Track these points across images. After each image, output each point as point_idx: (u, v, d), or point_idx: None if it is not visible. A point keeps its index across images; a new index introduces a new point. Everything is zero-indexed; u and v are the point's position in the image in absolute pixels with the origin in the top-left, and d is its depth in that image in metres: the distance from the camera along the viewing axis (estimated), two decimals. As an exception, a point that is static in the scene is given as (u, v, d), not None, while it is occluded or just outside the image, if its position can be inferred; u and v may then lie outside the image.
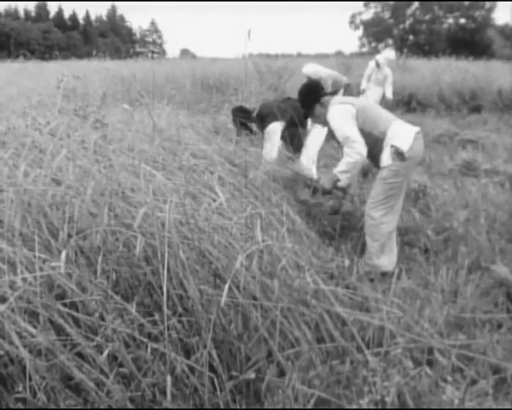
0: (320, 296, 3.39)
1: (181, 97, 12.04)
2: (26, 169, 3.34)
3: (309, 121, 6.49)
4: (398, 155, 4.59)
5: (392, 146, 4.61)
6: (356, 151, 4.66)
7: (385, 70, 12.97)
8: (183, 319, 3.02)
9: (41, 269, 2.88)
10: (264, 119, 6.32)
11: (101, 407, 2.70)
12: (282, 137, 6.37)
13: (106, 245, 3.14)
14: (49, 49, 45.38)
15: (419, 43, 71.96)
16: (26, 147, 3.61)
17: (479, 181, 7.70)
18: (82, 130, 4.22)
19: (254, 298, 3.13)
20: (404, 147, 4.60)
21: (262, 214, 3.62)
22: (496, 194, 6.87)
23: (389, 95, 13.03)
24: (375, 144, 4.76)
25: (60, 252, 3.03)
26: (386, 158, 4.67)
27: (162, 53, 77.95)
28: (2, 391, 2.70)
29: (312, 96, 5.19)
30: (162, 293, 3.00)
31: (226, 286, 2.79)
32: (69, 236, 3.11)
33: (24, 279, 2.78)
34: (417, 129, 4.82)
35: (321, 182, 4.97)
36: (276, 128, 6.21)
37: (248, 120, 6.49)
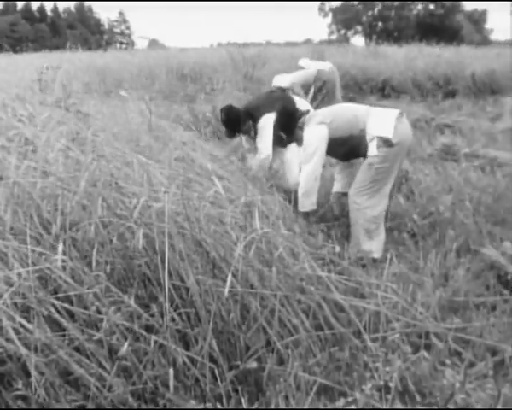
0: (316, 283, 3.37)
1: (157, 87, 11.95)
2: (16, 162, 3.27)
3: None
4: (385, 142, 4.58)
5: (377, 137, 4.61)
6: (309, 169, 4.92)
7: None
8: (183, 310, 2.98)
9: (34, 263, 2.83)
10: (253, 113, 6.12)
11: (102, 401, 2.67)
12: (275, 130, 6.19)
13: (99, 237, 3.09)
14: (17, 42, 44.84)
15: (388, 30, 72.23)
16: (15, 139, 3.54)
17: (459, 165, 7.74)
18: (68, 121, 4.15)
19: (252, 287, 3.11)
20: (389, 134, 4.59)
21: (259, 202, 3.60)
22: (477, 178, 6.90)
23: None
24: (360, 141, 4.80)
25: (52, 245, 2.98)
26: (372, 149, 4.67)
27: (131, 44, 77.41)
28: (1, 389, 2.64)
29: (290, 121, 5.38)
30: (160, 285, 2.97)
31: (229, 277, 2.77)
32: (62, 228, 3.05)
33: (18, 274, 2.72)
34: (397, 111, 4.81)
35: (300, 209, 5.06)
36: (267, 120, 6.00)
37: (239, 121, 6.19)
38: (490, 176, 7.05)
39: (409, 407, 2.86)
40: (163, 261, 2.91)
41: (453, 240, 4.83)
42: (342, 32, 79.88)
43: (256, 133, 6.08)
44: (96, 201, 3.11)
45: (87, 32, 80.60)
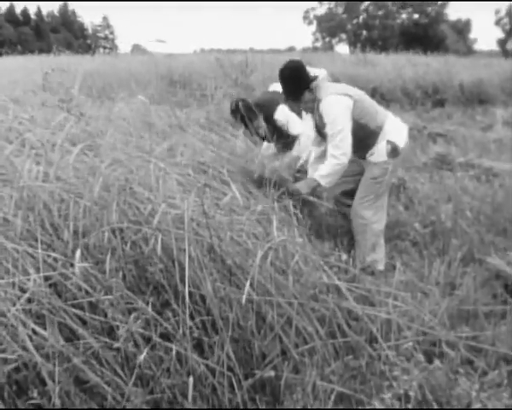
0: (329, 291, 3.36)
1: (148, 92, 11.89)
2: (28, 166, 3.22)
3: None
4: (393, 151, 4.55)
5: (388, 142, 4.56)
6: (342, 152, 4.47)
7: None
8: (199, 318, 2.95)
9: (50, 269, 2.79)
10: (265, 105, 6.03)
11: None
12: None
13: (113, 243, 3.05)
14: (0, 45, 44.55)
15: (372, 39, 72.46)
16: (28, 143, 3.49)
17: (454, 174, 7.76)
18: (76, 124, 4.11)
19: (268, 295, 3.08)
20: (401, 143, 4.58)
21: (276, 209, 3.58)
22: (474, 187, 6.92)
23: None
24: (367, 137, 4.63)
25: (65, 252, 2.95)
26: (380, 153, 4.60)
27: (115, 48, 77.19)
28: (15, 397, 2.59)
29: (300, 82, 4.70)
30: (175, 292, 2.94)
31: (247, 285, 2.74)
32: (75, 234, 3.01)
33: (30, 280, 2.68)
34: (407, 126, 4.80)
35: (297, 186, 4.70)
36: (285, 109, 5.96)
37: (251, 114, 6.03)
38: (486, 186, 7.06)
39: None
40: (180, 268, 2.88)
41: (457, 249, 4.83)
42: (327, 39, 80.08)
43: (272, 124, 6.01)
44: (111, 206, 3.07)
45: (71, 36, 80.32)
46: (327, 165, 4.56)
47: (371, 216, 4.72)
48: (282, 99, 5.75)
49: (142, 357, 2.64)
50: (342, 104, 4.52)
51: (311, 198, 4.71)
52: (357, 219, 4.76)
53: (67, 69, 12.40)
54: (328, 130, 4.57)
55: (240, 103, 6.04)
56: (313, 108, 4.77)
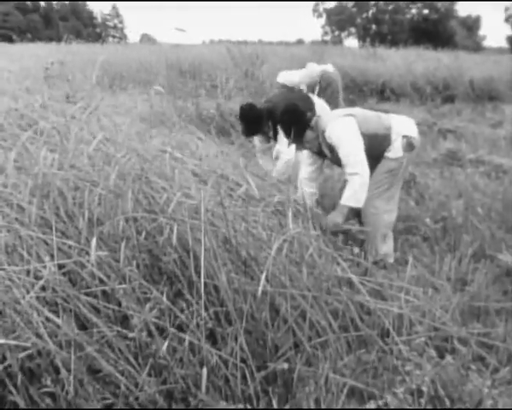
0: (342, 284, 3.35)
1: (158, 82, 11.88)
2: (44, 154, 3.22)
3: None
4: (409, 145, 4.55)
5: (404, 137, 4.55)
6: (359, 168, 4.43)
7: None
8: (213, 309, 2.95)
9: (66, 256, 2.79)
10: (275, 113, 5.77)
11: (132, 400, 2.63)
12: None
13: (127, 232, 3.05)
14: (10, 32, 44.51)
15: (382, 33, 72.19)
16: (45, 131, 3.48)
17: (464, 171, 7.74)
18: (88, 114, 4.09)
19: (282, 287, 3.08)
20: (415, 135, 4.58)
21: (290, 200, 3.57)
22: (485, 184, 6.90)
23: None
24: (381, 143, 4.63)
25: (79, 240, 2.94)
26: (397, 149, 4.58)
27: (124, 38, 77.07)
28: (28, 385, 2.59)
29: (300, 125, 4.74)
30: (189, 282, 2.94)
31: (262, 277, 2.74)
32: (90, 222, 3.01)
33: (46, 267, 2.68)
34: (413, 120, 4.82)
35: (331, 219, 4.54)
36: None
37: (260, 120, 5.92)
38: (497, 182, 7.05)
39: None
40: (195, 259, 2.88)
41: (468, 245, 4.81)
42: (336, 33, 79.87)
43: (276, 134, 5.94)
44: (126, 195, 3.06)
45: (80, 25, 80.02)
46: (349, 185, 4.51)
47: (383, 206, 4.69)
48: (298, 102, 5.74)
49: (164, 348, 2.64)
50: (346, 125, 4.57)
51: (351, 227, 4.70)
52: (370, 209, 4.70)
53: (79, 58, 12.46)
54: (340, 153, 4.58)
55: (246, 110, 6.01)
56: (318, 146, 4.82)
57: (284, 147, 5.78)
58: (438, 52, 25.83)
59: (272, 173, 5.82)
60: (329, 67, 9.31)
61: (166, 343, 2.64)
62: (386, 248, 4.74)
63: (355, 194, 4.47)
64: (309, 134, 4.76)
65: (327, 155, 4.84)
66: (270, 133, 6.07)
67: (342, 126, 4.57)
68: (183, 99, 9.82)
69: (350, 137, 4.52)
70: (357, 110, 4.80)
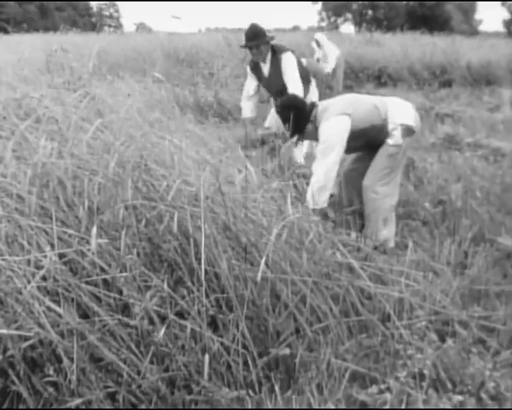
0: (343, 269, 3.35)
1: (155, 71, 11.85)
2: (43, 143, 3.21)
3: None
4: (408, 131, 4.54)
5: (401, 125, 4.54)
6: (322, 170, 4.48)
7: (324, 48, 12.65)
8: (213, 296, 2.95)
9: (66, 245, 2.79)
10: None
11: (135, 388, 2.64)
12: None
13: (127, 220, 3.05)
14: (5, 23, 44.18)
15: (378, 19, 71.93)
16: (44, 120, 3.47)
17: (462, 154, 7.74)
18: (89, 103, 4.08)
19: (283, 273, 3.08)
20: (412, 123, 4.57)
21: (291, 186, 3.57)
22: (483, 168, 6.90)
23: (327, 69, 12.37)
24: (378, 133, 4.63)
25: (79, 228, 2.94)
26: (397, 138, 4.57)
27: (119, 27, 76.78)
28: (30, 375, 2.59)
29: (301, 119, 4.74)
30: (189, 270, 2.94)
31: (262, 262, 2.74)
32: (90, 210, 3.00)
33: (46, 257, 2.68)
34: (410, 104, 4.81)
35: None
36: None
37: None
38: (495, 166, 7.05)
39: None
40: (195, 246, 2.88)
41: (467, 229, 4.82)
42: (332, 19, 79.53)
43: None
44: (125, 183, 3.05)
45: (75, 15, 79.62)
46: (310, 187, 4.56)
47: (385, 190, 4.68)
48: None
49: (161, 334, 2.64)
50: (338, 126, 4.56)
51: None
52: (370, 193, 4.70)
53: (75, 48, 12.40)
54: (319, 147, 4.64)
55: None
56: (317, 137, 4.79)
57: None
58: (434, 37, 25.76)
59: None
60: (337, 50, 9.27)
61: (163, 329, 2.64)
62: (387, 232, 4.74)
63: (313, 197, 4.46)
64: (309, 127, 4.77)
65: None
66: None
67: (334, 128, 4.57)
68: (181, 87, 9.82)
69: (333, 140, 4.53)
70: (356, 103, 4.75)
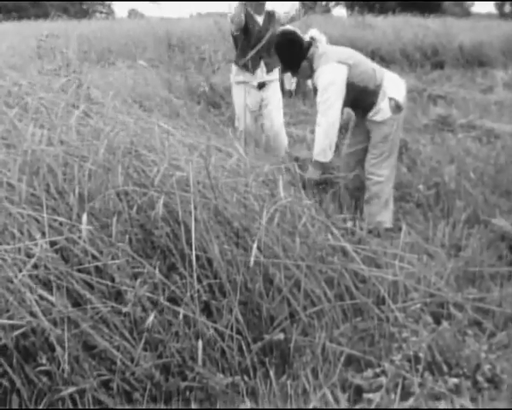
0: (338, 253, 3.34)
1: (146, 56, 11.82)
2: (33, 130, 3.17)
3: None
4: (396, 107, 4.53)
5: (390, 99, 4.52)
6: (327, 120, 4.43)
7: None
8: (206, 281, 2.94)
9: (57, 233, 2.77)
10: None
11: (128, 375, 2.63)
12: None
13: (118, 207, 3.02)
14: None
15: (370, 2, 71.66)
16: (33, 106, 3.43)
17: (455, 136, 7.72)
18: (77, 88, 4.04)
19: (275, 257, 3.06)
20: (401, 98, 4.56)
21: (282, 171, 3.54)
22: (477, 149, 6.88)
23: None
24: (368, 97, 4.60)
25: (70, 216, 2.91)
26: (385, 111, 4.57)
27: (111, 13, 76.30)
28: (23, 363, 2.57)
29: (297, 54, 4.64)
30: (181, 255, 2.92)
31: (254, 247, 2.72)
32: (80, 197, 2.97)
33: (37, 245, 2.65)
34: (404, 81, 4.80)
35: (308, 175, 4.63)
36: None
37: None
38: (489, 147, 7.03)
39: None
40: (186, 231, 2.86)
41: (461, 211, 4.80)
42: (324, 3, 79.25)
43: None
44: (116, 169, 3.03)
45: (66, 2, 79.09)
46: (316, 139, 4.55)
47: (386, 173, 4.71)
48: None
49: (150, 320, 2.62)
50: (336, 74, 4.47)
51: (327, 177, 4.72)
52: (374, 177, 4.72)
53: (64, 34, 12.33)
54: (318, 97, 4.54)
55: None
56: (311, 76, 4.73)
57: None
58: (426, 18, 25.67)
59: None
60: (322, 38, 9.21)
61: (153, 315, 2.62)
62: (386, 213, 4.75)
63: (321, 150, 4.48)
64: (303, 65, 4.68)
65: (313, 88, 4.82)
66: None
67: (330, 74, 4.48)
68: (172, 73, 9.77)
69: (333, 88, 4.44)
70: (356, 58, 4.69)
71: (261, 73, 6.06)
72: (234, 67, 6.24)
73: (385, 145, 4.64)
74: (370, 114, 4.63)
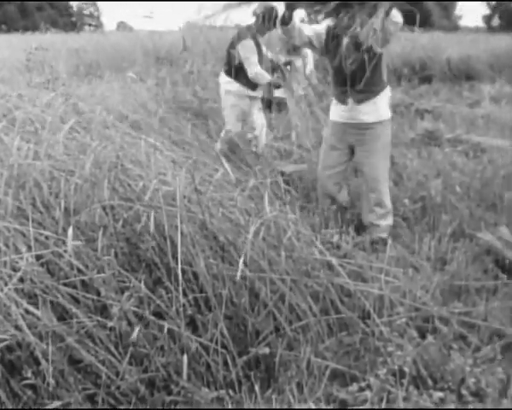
0: (322, 267, 3.35)
1: (135, 70, 11.81)
2: (20, 143, 3.18)
3: None
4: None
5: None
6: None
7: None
8: (191, 295, 2.94)
9: (43, 247, 2.77)
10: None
11: (114, 389, 2.63)
12: None
13: (104, 221, 3.03)
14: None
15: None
16: (19, 120, 3.44)
17: (442, 150, 7.74)
18: (65, 102, 4.05)
19: (261, 271, 3.07)
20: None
21: (267, 185, 3.55)
22: (463, 163, 6.91)
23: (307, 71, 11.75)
24: (378, 82, 4.79)
25: (56, 230, 2.91)
26: (386, 112, 4.81)
27: (100, 26, 76.27)
28: (8, 377, 2.57)
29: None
30: (167, 269, 2.93)
31: (240, 261, 2.73)
32: (66, 211, 2.98)
33: (23, 259, 2.65)
34: None
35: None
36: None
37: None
38: (475, 161, 7.06)
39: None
40: (172, 246, 2.86)
41: (447, 224, 4.82)
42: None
43: None
44: (102, 183, 3.03)
45: (55, 14, 78.99)
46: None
47: (387, 176, 4.96)
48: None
49: (135, 334, 2.62)
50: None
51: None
52: (384, 182, 4.91)
53: (53, 47, 12.32)
54: None
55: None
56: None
57: None
58: (414, 33, 25.77)
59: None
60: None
61: (138, 329, 2.62)
62: (385, 224, 4.86)
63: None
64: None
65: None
66: None
67: None
68: (160, 86, 9.76)
69: None
70: None
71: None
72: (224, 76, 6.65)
73: (387, 150, 4.93)
74: (371, 102, 4.74)
